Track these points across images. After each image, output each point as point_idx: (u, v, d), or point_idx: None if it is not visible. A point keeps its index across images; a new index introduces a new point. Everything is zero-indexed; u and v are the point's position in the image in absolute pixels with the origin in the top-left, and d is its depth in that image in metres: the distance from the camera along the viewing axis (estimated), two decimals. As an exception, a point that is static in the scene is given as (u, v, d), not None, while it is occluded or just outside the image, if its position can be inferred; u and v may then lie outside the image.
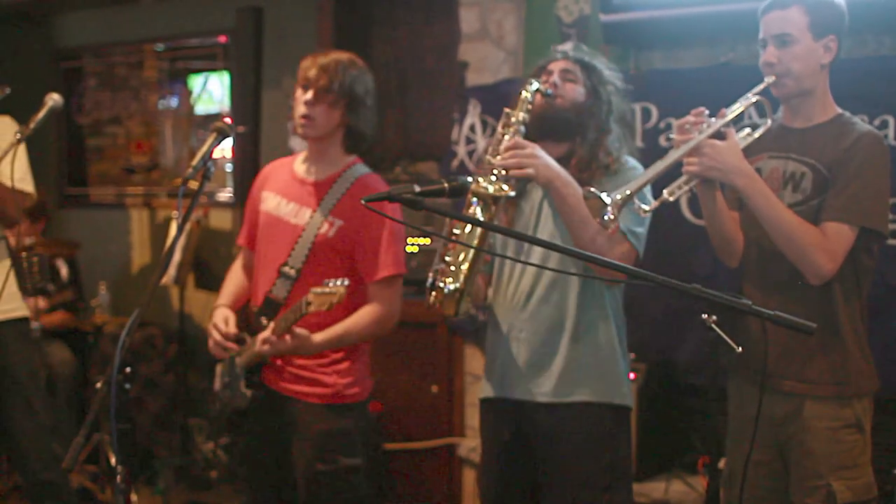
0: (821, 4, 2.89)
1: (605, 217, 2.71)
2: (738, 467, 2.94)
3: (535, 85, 3.15)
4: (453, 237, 3.09)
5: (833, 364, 2.91)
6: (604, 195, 2.71)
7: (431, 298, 3.12)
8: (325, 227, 3.34)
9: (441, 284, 3.07)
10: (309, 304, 3.09)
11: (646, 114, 4.17)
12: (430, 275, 3.10)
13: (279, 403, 3.40)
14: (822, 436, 2.90)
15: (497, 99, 4.71)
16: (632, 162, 3.16)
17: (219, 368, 3.57)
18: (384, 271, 3.36)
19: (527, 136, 3.13)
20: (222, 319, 3.47)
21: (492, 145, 3.14)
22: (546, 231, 3.18)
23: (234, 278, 3.70)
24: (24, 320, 4.32)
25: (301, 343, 3.24)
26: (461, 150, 4.87)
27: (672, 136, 2.90)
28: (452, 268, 3.06)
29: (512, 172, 3.02)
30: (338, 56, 3.39)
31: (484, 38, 4.96)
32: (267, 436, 3.46)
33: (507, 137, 3.10)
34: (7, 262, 4.07)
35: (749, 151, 2.95)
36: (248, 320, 3.53)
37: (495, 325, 3.31)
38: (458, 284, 3.05)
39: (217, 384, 3.57)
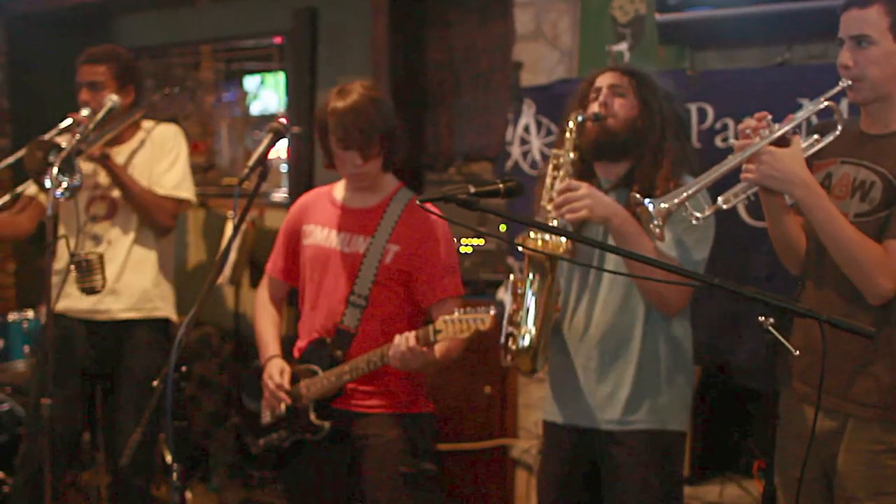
0: None
1: (652, 225, 2.67)
2: (781, 481, 2.89)
3: (580, 117, 3.12)
4: (518, 292, 3.10)
5: (881, 385, 2.77)
6: (647, 202, 2.66)
7: (507, 360, 3.13)
8: (386, 254, 3.34)
9: (513, 346, 3.08)
10: (437, 332, 3.06)
11: (701, 114, 4.14)
12: (503, 336, 3.12)
13: (348, 421, 3.39)
14: (862, 458, 2.78)
15: (551, 99, 4.69)
16: (692, 180, 3.06)
17: (265, 402, 3.54)
18: (445, 292, 3.36)
19: (583, 162, 3.12)
20: (278, 371, 3.46)
21: (544, 189, 3.13)
22: (611, 261, 3.15)
23: (269, 319, 3.67)
24: (164, 321, 4.48)
25: (432, 360, 3.23)
26: (515, 150, 4.86)
27: (729, 138, 2.84)
28: (522, 328, 3.07)
29: (567, 217, 3.01)
30: (361, 101, 3.29)
31: (538, 39, 4.94)
32: (331, 458, 3.44)
33: (557, 180, 3.09)
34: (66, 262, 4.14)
35: (823, 154, 2.86)
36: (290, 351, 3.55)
37: (562, 350, 3.30)
38: (529, 341, 3.06)
39: (267, 417, 3.53)
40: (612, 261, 3.15)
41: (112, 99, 4.11)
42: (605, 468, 3.22)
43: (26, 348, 5.51)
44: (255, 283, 6.48)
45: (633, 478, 3.14)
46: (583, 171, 3.18)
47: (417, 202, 2.47)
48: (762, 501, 2.38)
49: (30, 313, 5.55)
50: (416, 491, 3.33)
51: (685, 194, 2.69)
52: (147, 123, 4.41)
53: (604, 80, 3.21)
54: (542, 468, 3.48)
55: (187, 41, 7.32)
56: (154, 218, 4.34)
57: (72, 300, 4.20)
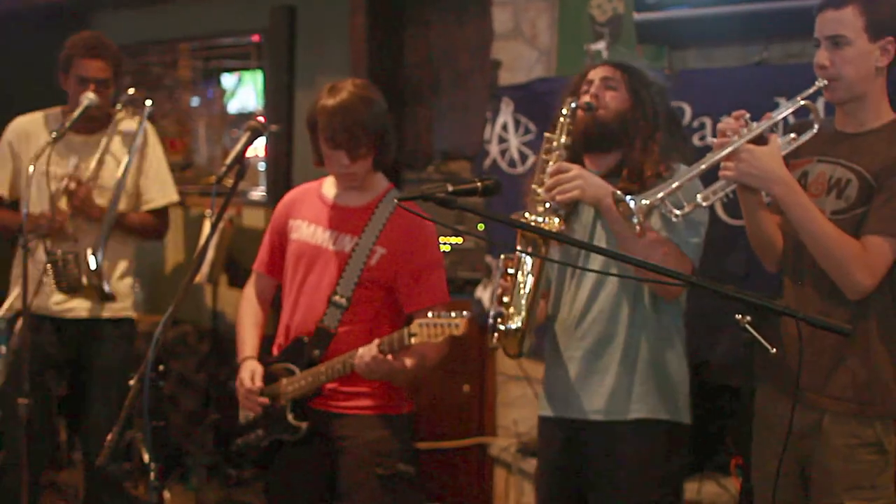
0: (878, 4, 2.75)
1: (633, 221, 2.68)
2: (758, 477, 2.90)
3: (573, 103, 3.13)
4: (509, 272, 3.09)
5: (857, 381, 2.80)
6: (629, 199, 2.67)
7: (494, 340, 3.13)
8: (372, 255, 3.32)
9: (502, 326, 3.08)
10: (412, 335, 3.05)
11: (679, 113, 4.15)
12: (491, 317, 3.11)
13: (326, 421, 3.36)
14: (839, 453, 2.81)
15: (530, 98, 4.70)
16: (683, 168, 3.03)
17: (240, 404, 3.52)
18: (429, 300, 3.32)
19: (573, 153, 3.12)
20: (249, 375, 3.43)
21: (536, 173, 3.13)
22: (601, 244, 3.15)
23: (250, 318, 3.64)
24: (128, 321, 4.50)
25: (399, 369, 3.20)
26: (494, 149, 4.87)
27: (707, 136, 2.86)
28: (511, 309, 3.06)
29: (558, 198, 3.01)
30: (350, 100, 3.24)
31: (517, 37, 4.95)
32: (310, 458, 3.41)
33: (550, 163, 3.09)
34: (43, 260, 4.12)
35: (799, 153, 2.88)
36: (278, 350, 3.52)
37: (553, 343, 3.30)
38: (519, 324, 3.06)
39: (242, 417, 3.52)
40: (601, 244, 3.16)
41: (89, 97, 4.10)
42: (595, 459, 3.21)
43: (2, 348, 5.46)
44: (232, 282, 6.48)
45: (624, 468, 3.14)
46: (573, 161, 3.17)
47: (395, 200, 2.46)
48: (740, 498, 2.39)
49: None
50: (393, 493, 3.31)
51: (665, 191, 2.70)
52: (118, 115, 4.39)
53: (596, 74, 3.21)
54: (538, 464, 3.47)
55: (165, 39, 7.30)
56: (152, 235, 4.57)
57: (38, 298, 4.16)
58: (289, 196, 3.62)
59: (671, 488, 3.22)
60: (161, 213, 4.55)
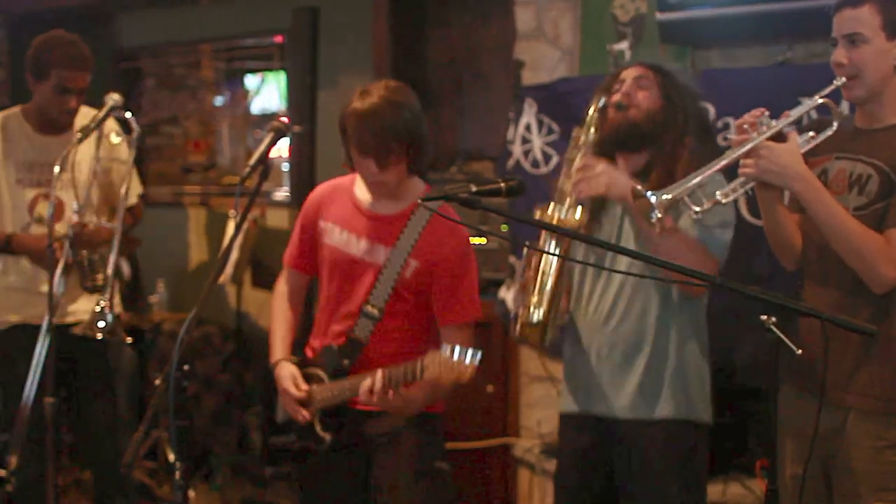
0: (895, 2, 2.75)
1: (653, 217, 2.68)
2: (783, 479, 2.89)
3: (603, 101, 3.13)
4: (532, 268, 3.09)
5: (882, 378, 2.78)
6: (650, 194, 2.67)
7: (517, 331, 3.13)
8: (406, 268, 3.23)
9: (525, 316, 3.08)
10: (424, 369, 2.97)
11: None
12: (514, 308, 3.11)
13: (362, 420, 3.30)
14: (864, 454, 2.79)
15: (553, 98, 4.69)
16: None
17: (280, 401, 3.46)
18: (463, 317, 3.26)
19: (604, 151, 3.12)
20: (291, 381, 3.34)
21: (563, 167, 3.13)
22: (628, 245, 3.15)
23: (284, 317, 3.53)
24: (118, 316, 4.40)
25: (406, 404, 3.13)
26: (517, 149, 4.86)
27: (729, 135, 2.85)
28: (535, 297, 3.06)
29: (584, 193, 3.01)
30: (380, 105, 3.11)
31: (540, 38, 4.95)
32: (344, 460, 3.37)
33: (577, 158, 3.09)
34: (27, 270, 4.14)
35: (818, 151, 2.87)
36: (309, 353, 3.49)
37: (575, 340, 3.30)
38: (542, 314, 3.05)
39: (280, 415, 3.47)
40: (628, 244, 3.16)
41: (114, 98, 4.09)
42: (621, 457, 3.21)
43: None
44: (256, 282, 6.50)
45: (650, 469, 3.14)
46: (603, 158, 3.17)
47: (419, 201, 2.46)
48: (765, 500, 2.38)
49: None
50: (431, 490, 3.29)
51: (685, 186, 2.70)
52: (86, 112, 4.24)
53: (629, 73, 3.22)
54: (559, 461, 3.47)
55: (188, 40, 7.32)
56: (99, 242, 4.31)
57: (30, 308, 4.13)
58: (319, 193, 3.48)
59: (697, 489, 3.24)
60: (136, 209, 4.48)
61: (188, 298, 6.79)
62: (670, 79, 3.20)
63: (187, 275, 7.22)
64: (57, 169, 3.74)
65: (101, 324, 3.85)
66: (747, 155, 2.75)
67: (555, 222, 3.05)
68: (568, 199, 3.06)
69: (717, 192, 2.78)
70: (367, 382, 3.07)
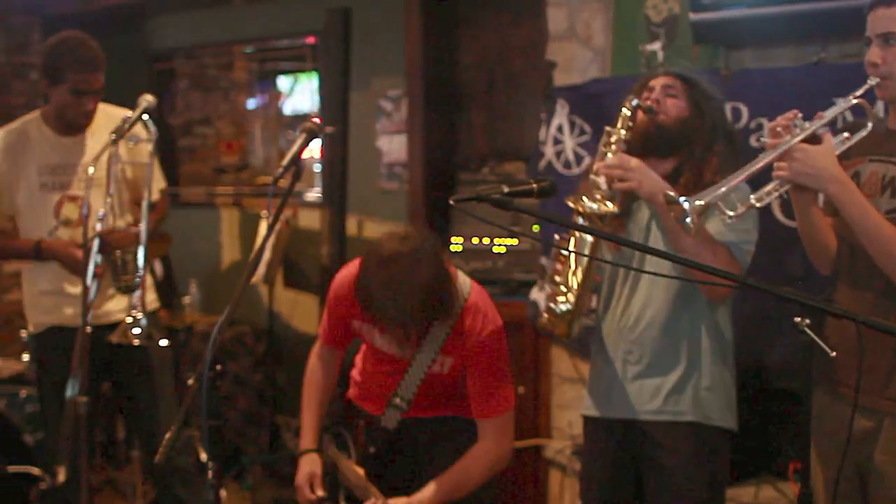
0: None
1: (687, 222, 2.66)
2: (817, 483, 2.87)
3: (635, 101, 3.13)
4: (563, 253, 3.09)
5: None
6: (682, 200, 2.66)
7: (544, 320, 3.12)
8: (436, 366, 3.20)
9: (553, 305, 3.07)
10: None
11: (736, 114, 4.12)
12: (540, 296, 3.10)
13: (416, 426, 3.32)
14: None
15: (585, 99, 4.69)
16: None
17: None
18: (498, 410, 3.19)
19: (631, 153, 3.12)
20: (307, 482, 3.33)
21: (595, 161, 3.13)
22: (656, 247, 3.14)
23: (316, 396, 3.46)
24: (154, 313, 4.46)
25: None
26: (549, 150, 4.85)
27: (763, 137, 2.83)
28: (563, 287, 3.06)
29: (615, 186, 3.01)
30: (397, 290, 2.90)
31: (572, 38, 4.94)
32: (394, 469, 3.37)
33: (609, 155, 3.09)
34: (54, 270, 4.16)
35: (850, 154, 2.84)
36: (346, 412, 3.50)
37: (601, 344, 3.30)
38: (570, 305, 3.05)
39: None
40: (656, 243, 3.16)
41: (147, 100, 4.11)
42: (646, 462, 3.22)
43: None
44: (288, 282, 6.53)
45: (675, 471, 3.14)
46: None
47: (451, 202, 2.45)
48: (798, 503, 2.37)
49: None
50: (479, 495, 3.27)
51: (719, 191, 2.68)
52: (107, 110, 4.33)
53: (657, 82, 3.23)
54: (584, 464, 3.47)
55: (221, 41, 7.36)
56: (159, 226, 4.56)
57: (63, 310, 4.16)
58: (347, 291, 3.19)
59: (718, 488, 3.24)
60: (160, 203, 4.53)
61: (221, 299, 6.83)
62: (697, 87, 3.21)
63: (220, 275, 7.25)
64: (91, 170, 3.76)
65: (136, 330, 3.88)
66: (781, 157, 2.72)
67: (586, 212, 3.04)
68: (598, 194, 3.05)
69: (752, 196, 2.75)
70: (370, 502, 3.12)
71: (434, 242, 3.02)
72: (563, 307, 3.07)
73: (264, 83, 7.36)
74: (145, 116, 4.05)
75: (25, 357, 5.50)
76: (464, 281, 3.19)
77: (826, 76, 3.96)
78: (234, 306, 2.63)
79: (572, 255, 3.10)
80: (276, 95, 7.33)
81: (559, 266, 3.13)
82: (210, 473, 2.67)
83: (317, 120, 2.87)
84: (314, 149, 6.46)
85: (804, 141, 2.71)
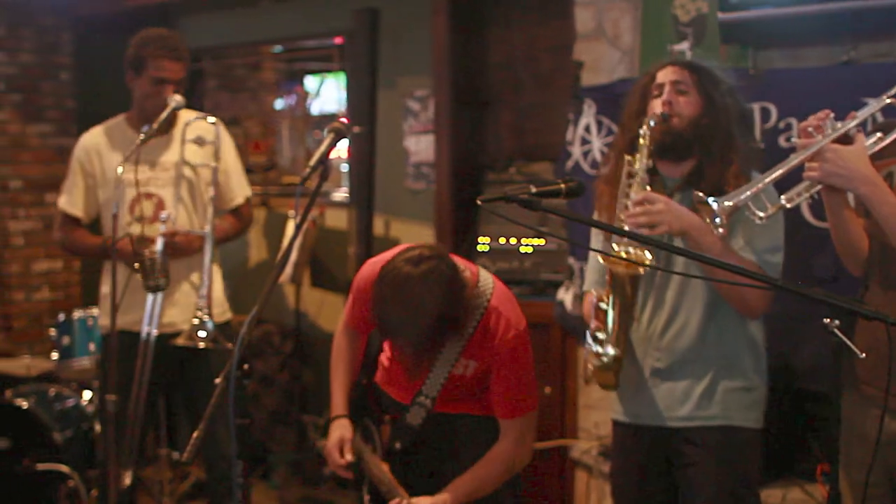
0: None
1: (717, 223, 2.65)
2: (846, 485, 2.85)
3: (652, 122, 3.10)
4: (601, 311, 3.08)
5: None
6: (712, 200, 2.65)
7: (589, 375, 3.13)
8: (459, 368, 3.20)
9: (595, 361, 3.08)
10: None
11: (765, 114, 4.10)
12: (586, 350, 3.12)
13: (441, 422, 3.31)
14: None
15: (613, 99, 4.67)
16: (758, 175, 2.97)
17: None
18: (520, 411, 3.20)
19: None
20: (338, 447, 3.33)
21: (619, 194, 3.10)
22: (678, 264, 3.13)
23: (343, 368, 3.49)
24: (228, 323, 4.54)
25: None
26: (576, 150, 4.84)
27: (792, 137, 2.81)
28: (605, 345, 3.06)
29: (645, 232, 2.98)
30: (411, 320, 2.92)
31: (599, 38, 4.92)
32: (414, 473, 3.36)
33: (633, 189, 3.06)
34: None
35: (882, 154, 2.81)
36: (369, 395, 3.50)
37: (629, 349, 3.27)
38: (612, 358, 3.05)
39: (328, 471, 3.48)
40: (677, 264, 3.14)
41: (176, 99, 4.14)
42: (677, 466, 3.21)
43: (91, 345, 5.58)
44: (315, 282, 6.54)
45: (707, 475, 3.13)
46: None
47: (479, 202, 2.45)
48: (826, 505, 2.36)
49: (95, 311, 5.58)
50: (503, 494, 3.28)
51: (749, 192, 2.67)
52: (186, 114, 4.38)
53: (665, 76, 3.18)
54: (613, 468, 3.47)
55: (249, 42, 7.38)
56: (240, 234, 4.69)
57: (124, 314, 4.15)
58: (367, 295, 3.16)
59: (750, 486, 3.23)
60: (243, 210, 4.60)
61: (248, 298, 6.84)
62: (707, 77, 3.16)
63: (247, 274, 7.27)
64: (120, 170, 3.82)
65: (202, 333, 3.92)
66: (812, 158, 2.70)
67: (624, 256, 3.04)
68: (630, 245, 3.04)
69: (782, 197, 2.74)
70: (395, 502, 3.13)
71: (449, 263, 3.01)
72: (606, 360, 3.08)
73: (292, 83, 7.39)
74: (211, 119, 4.13)
75: (54, 355, 5.55)
76: (486, 283, 3.18)
77: (856, 76, 3.93)
78: (261, 305, 2.63)
79: (609, 311, 3.08)
80: (304, 95, 7.35)
81: (598, 322, 3.12)
82: (238, 472, 2.68)
83: (344, 120, 2.87)
84: (341, 149, 6.47)
85: (835, 141, 2.69)
